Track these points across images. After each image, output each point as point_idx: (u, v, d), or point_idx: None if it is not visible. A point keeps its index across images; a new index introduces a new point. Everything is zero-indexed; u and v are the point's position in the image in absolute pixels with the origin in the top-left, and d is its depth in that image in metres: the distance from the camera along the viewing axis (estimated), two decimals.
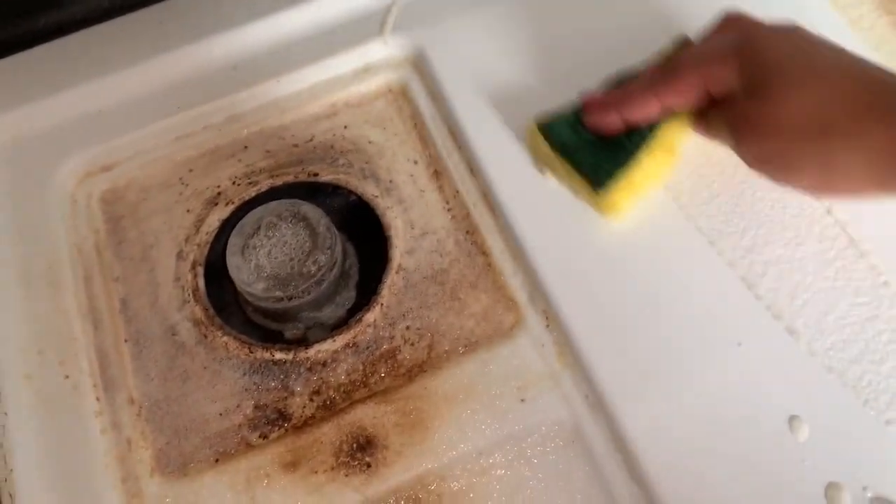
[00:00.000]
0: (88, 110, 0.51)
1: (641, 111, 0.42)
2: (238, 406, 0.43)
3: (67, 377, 0.43)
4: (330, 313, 0.46)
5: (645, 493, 0.38)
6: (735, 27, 0.40)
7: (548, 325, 0.43)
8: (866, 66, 0.36)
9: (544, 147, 0.45)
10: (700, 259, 0.43)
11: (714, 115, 0.41)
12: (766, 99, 0.37)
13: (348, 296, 0.47)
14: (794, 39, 0.38)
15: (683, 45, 0.45)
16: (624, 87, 0.43)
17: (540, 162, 0.46)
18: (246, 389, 0.43)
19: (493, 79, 0.50)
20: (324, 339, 0.44)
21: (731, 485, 0.37)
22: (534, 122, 0.45)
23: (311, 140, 0.51)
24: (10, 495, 0.39)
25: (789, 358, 0.40)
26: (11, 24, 0.52)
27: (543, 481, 0.39)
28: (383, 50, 0.53)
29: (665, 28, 0.49)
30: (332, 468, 0.40)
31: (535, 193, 0.46)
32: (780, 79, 0.36)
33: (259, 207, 0.46)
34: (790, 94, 0.36)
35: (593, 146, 0.43)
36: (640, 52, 0.46)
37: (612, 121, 0.42)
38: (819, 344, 0.40)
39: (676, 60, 0.41)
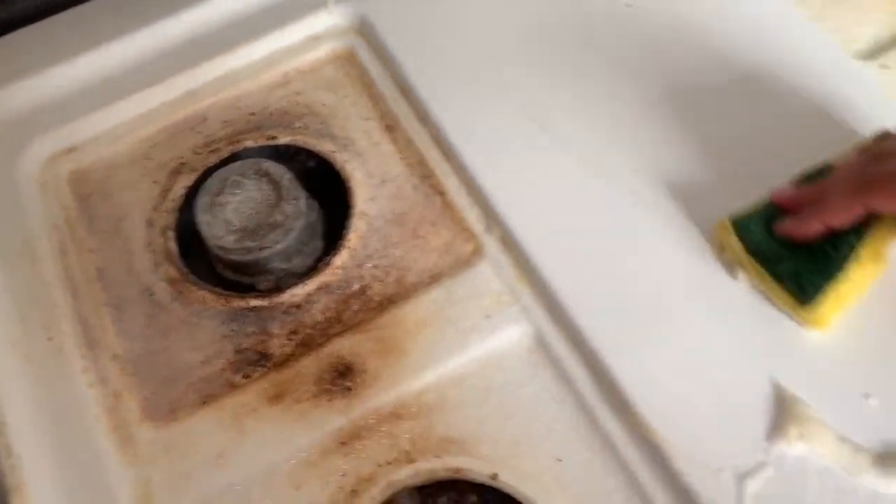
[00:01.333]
0: (49, 96, 0.53)
1: (845, 217, 0.37)
2: (219, 352, 0.45)
3: (51, 339, 0.44)
4: (300, 263, 0.49)
5: (606, 386, 0.41)
6: None
7: (505, 250, 0.46)
8: None
9: (738, 247, 0.41)
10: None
11: None
12: None
13: (316, 246, 0.50)
14: None
15: (884, 137, 0.41)
16: (822, 186, 0.39)
17: (733, 260, 0.42)
18: (225, 337, 0.45)
19: (433, 35, 0.53)
20: (296, 284, 0.46)
21: (686, 368, 0.41)
22: (727, 219, 0.42)
23: (266, 108, 0.54)
24: (7, 447, 0.40)
25: None
26: None
27: (511, 385, 0.42)
28: (329, 19, 0.56)
29: None
30: (315, 395, 0.43)
31: (483, 134, 0.49)
32: None
33: (223, 168, 0.49)
34: None
35: (792, 251, 0.40)
36: None
37: (812, 230, 0.38)
38: None
39: (883, 160, 0.36)
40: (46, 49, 0.54)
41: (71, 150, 0.53)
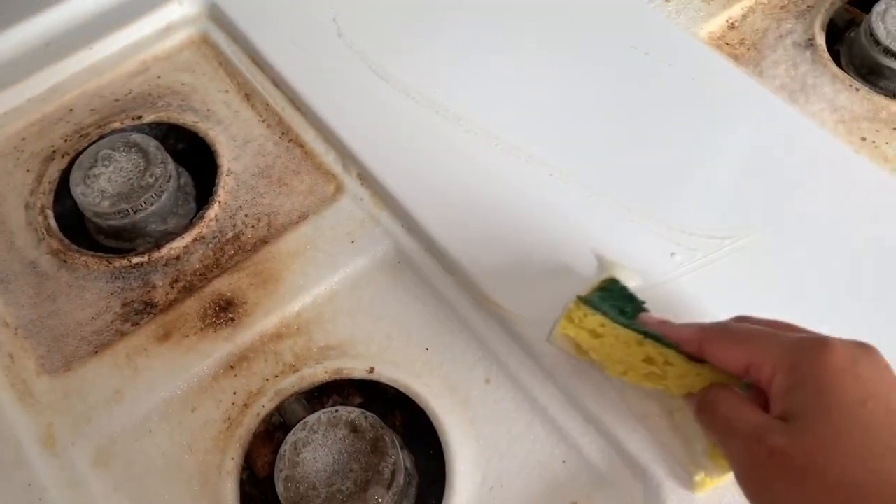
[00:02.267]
0: None
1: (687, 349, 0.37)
2: (107, 308, 0.48)
3: None
4: (175, 224, 0.52)
5: (459, 279, 0.47)
6: (793, 327, 0.35)
7: (362, 183, 0.51)
8: None
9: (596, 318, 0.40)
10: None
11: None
12: (813, 434, 0.30)
13: (189, 208, 0.54)
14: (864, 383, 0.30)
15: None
16: (673, 325, 0.38)
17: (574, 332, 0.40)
18: (112, 294, 0.49)
19: (279, 11, 0.59)
20: (174, 238, 0.50)
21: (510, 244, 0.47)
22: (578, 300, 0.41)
23: (129, 93, 0.58)
24: None
25: None
26: None
27: (380, 294, 0.47)
28: (180, 9, 0.61)
29: None
30: (201, 329, 0.46)
31: (332, 90, 0.55)
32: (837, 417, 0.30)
33: (93, 145, 0.52)
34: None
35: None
36: None
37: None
38: None
39: (732, 325, 0.36)
40: None
41: None
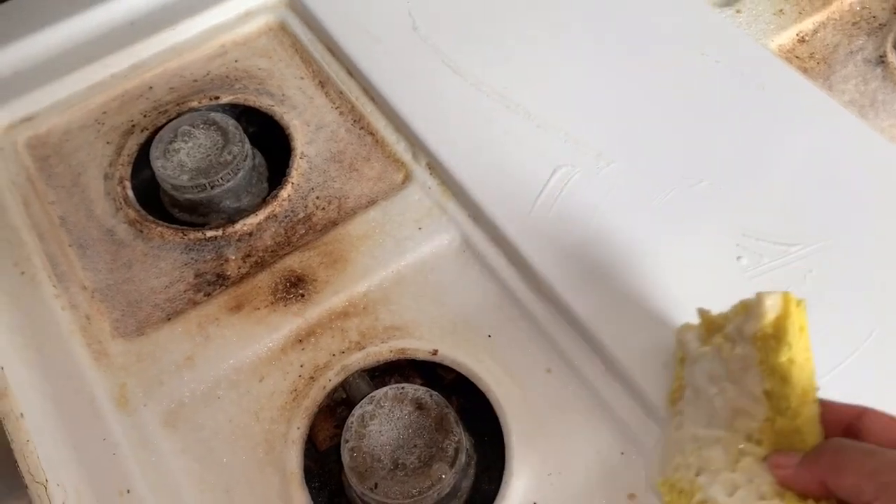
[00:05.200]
0: (5, 70, 0.58)
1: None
2: (180, 278, 0.50)
3: (23, 273, 0.48)
4: (248, 202, 0.54)
5: (522, 270, 0.48)
6: None
7: (431, 173, 0.53)
8: None
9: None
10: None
11: None
12: None
13: (262, 187, 0.55)
14: None
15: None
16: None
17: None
18: (185, 264, 0.50)
19: (356, 2, 0.60)
20: (247, 215, 0.52)
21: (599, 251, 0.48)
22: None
23: (207, 74, 0.60)
24: None
25: None
26: None
27: (445, 280, 0.48)
28: None
29: None
30: (272, 303, 0.48)
31: (405, 80, 0.56)
32: None
33: (173, 121, 0.54)
34: None
35: None
36: None
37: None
38: None
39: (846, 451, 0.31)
40: (6, 25, 0.59)
41: (27, 118, 0.57)
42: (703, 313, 0.39)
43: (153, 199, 0.55)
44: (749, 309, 0.35)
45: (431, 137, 0.53)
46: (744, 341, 0.35)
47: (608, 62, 0.57)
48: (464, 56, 0.57)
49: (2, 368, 0.44)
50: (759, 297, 0.34)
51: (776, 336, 0.34)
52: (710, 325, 0.38)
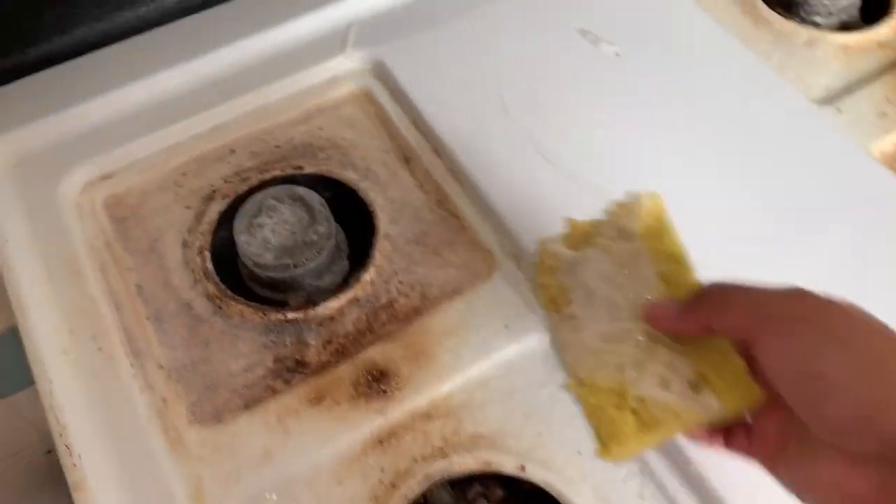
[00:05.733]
0: (86, 127, 0.57)
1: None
2: (259, 361, 0.48)
3: (101, 349, 0.47)
4: (329, 281, 0.53)
5: None
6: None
7: (519, 266, 0.51)
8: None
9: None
10: None
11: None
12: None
13: (343, 265, 0.54)
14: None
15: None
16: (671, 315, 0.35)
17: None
18: (264, 347, 0.49)
19: (444, 75, 0.59)
20: (328, 298, 0.50)
21: None
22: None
23: (291, 141, 0.59)
24: (68, 446, 0.43)
25: None
26: (15, 53, 0.57)
27: (532, 386, 0.47)
28: (346, 63, 0.61)
29: None
30: (353, 398, 0.46)
31: (493, 162, 0.55)
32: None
33: (258, 193, 0.53)
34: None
35: None
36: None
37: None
38: None
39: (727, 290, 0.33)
40: (86, 82, 0.58)
41: (106, 176, 0.56)
42: (573, 222, 0.43)
43: (230, 264, 0.54)
44: (628, 208, 0.40)
45: (520, 228, 0.51)
46: (629, 237, 0.39)
47: (704, 156, 0.55)
48: (557, 143, 0.55)
49: (79, 457, 0.42)
50: (639, 197, 0.39)
51: (659, 226, 0.39)
52: (580, 233, 0.42)
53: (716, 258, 0.49)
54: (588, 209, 0.51)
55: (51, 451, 1.13)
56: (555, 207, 0.52)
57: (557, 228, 0.51)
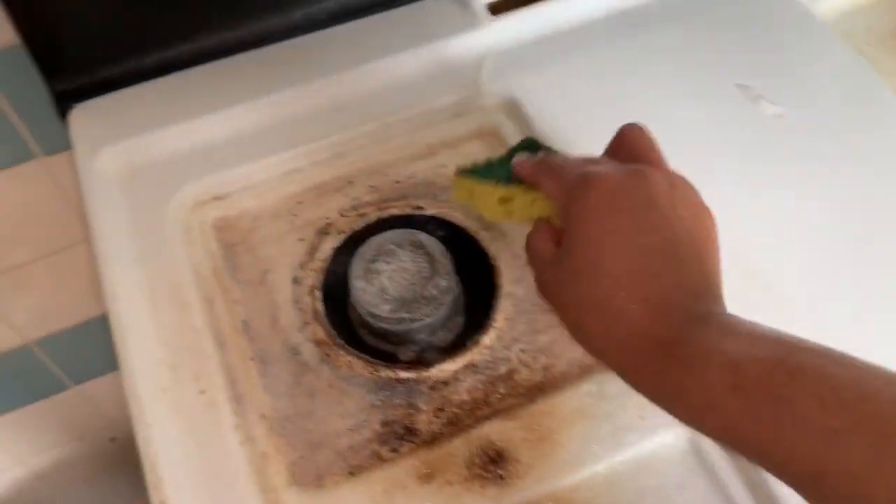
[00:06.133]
0: (201, 143, 0.54)
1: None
2: (366, 422, 0.45)
3: (203, 392, 0.44)
4: (442, 337, 0.49)
5: (763, 499, 0.41)
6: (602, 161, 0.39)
7: None
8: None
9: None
10: None
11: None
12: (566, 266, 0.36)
13: (458, 321, 0.50)
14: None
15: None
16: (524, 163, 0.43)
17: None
18: (373, 406, 0.45)
19: (580, 117, 0.54)
20: (444, 360, 0.46)
21: None
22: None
23: (412, 177, 0.55)
24: (163, 502, 0.39)
25: None
26: (131, 59, 0.55)
27: (665, 489, 0.42)
28: (477, 97, 0.57)
29: None
30: (467, 479, 0.42)
31: None
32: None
33: (377, 235, 0.49)
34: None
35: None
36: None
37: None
38: None
39: (560, 160, 0.41)
40: (205, 96, 0.55)
41: (218, 197, 0.53)
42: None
43: (340, 304, 0.50)
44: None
45: None
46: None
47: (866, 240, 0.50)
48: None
49: None
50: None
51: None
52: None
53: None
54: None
55: (114, 439, 1.12)
56: None
57: None
